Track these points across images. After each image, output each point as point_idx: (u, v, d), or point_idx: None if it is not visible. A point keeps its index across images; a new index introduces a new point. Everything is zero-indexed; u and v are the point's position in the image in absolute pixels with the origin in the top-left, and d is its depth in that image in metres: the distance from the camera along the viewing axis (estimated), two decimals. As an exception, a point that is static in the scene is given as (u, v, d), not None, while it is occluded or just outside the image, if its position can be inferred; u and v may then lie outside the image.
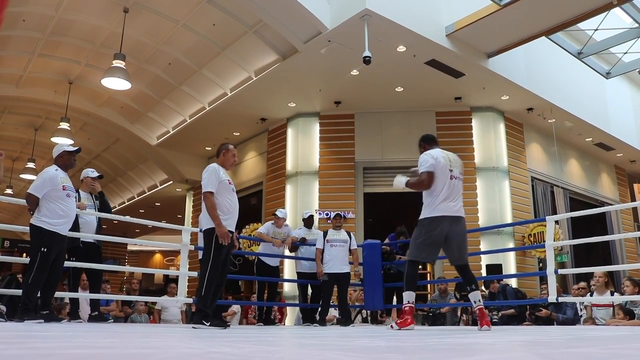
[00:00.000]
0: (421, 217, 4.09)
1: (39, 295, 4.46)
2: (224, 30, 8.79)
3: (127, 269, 19.88)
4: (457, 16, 8.10)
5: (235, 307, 8.74)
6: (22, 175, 14.04)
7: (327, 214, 9.85)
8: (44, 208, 4.40)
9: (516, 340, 2.57)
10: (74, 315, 5.27)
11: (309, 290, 6.99)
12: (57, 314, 5.48)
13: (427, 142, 4.30)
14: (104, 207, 5.66)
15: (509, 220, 9.98)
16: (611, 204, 12.21)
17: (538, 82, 9.86)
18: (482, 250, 9.10)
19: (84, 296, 5.72)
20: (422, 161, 4.09)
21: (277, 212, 6.87)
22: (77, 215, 4.89)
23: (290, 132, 11.00)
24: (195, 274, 5.72)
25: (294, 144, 10.87)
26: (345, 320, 6.37)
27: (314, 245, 6.65)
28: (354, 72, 9.02)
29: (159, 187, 15.36)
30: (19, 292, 4.57)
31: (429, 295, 9.74)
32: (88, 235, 5.28)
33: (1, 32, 8.47)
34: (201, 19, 8.65)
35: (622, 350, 1.78)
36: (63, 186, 4.49)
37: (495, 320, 6.92)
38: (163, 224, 7.02)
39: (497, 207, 10.06)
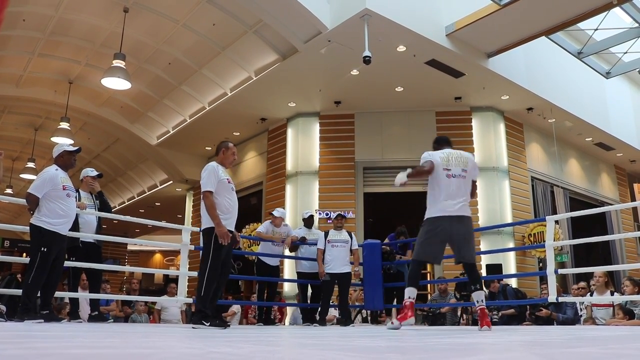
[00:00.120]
0: (425, 217, 4.17)
1: (38, 295, 4.46)
2: (224, 30, 8.79)
3: (127, 269, 19.87)
4: (457, 16, 8.10)
5: (235, 307, 8.74)
6: (22, 175, 14.05)
7: (327, 214, 9.85)
8: (44, 208, 4.40)
9: (516, 340, 2.57)
10: (74, 315, 5.27)
11: (309, 290, 6.99)
12: (57, 314, 5.48)
13: (436, 143, 4.41)
14: (103, 206, 5.66)
15: (509, 220, 9.98)
16: (611, 204, 12.20)
17: (538, 82, 9.86)
18: (482, 250, 9.09)
19: (84, 296, 5.72)
20: (422, 158, 4.26)
21: (273, 212, 6.87)
22: (77, 215, 4.89)
23: (290, 132, 10.99)
24: (195, 273, 5.71)
25: (294, 143, 10.87)
26: (345, 320, 6.37)
27: (314, 245, 6.65)
28: (354, 72, 9.02)
29: (159, 187, 15.37)
30: (19, 292, 4.57)
31: (429, 295, 9.74)
32: (88, 235, 5.28)
33: (1, 32, 8.47)
34: (201, 19, 8.65)
35: (622, 350, 1.78)
36: (63, 186, 4.49)
37: (495, 320, 6.92)
38: (163, 224, 7.02)
39: (497, 207, 10.06)
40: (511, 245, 9.91)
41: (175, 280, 7.79)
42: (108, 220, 6.20)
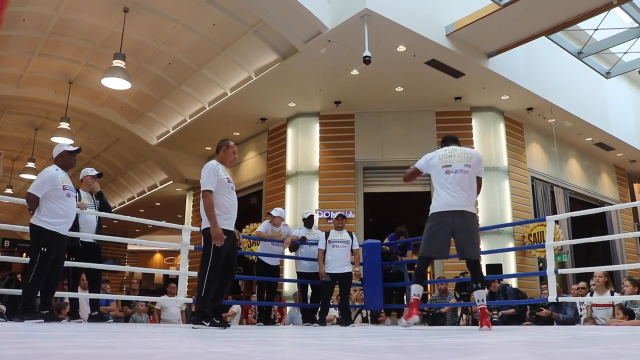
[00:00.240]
0: (429, 213, 4.24)
1: (38, 295, 4.46)
2: (224, 30, 8.79)
3: (127, 268, 19.87)
4: (457, 16, 8.10)
5: (236, 307, 8.73)
6: (22, 175, 14.06)
7: (327, 214, 9.85)
8: (44, 208, 4.40)
9: (516, 340, 2.57)
10: (74, 315, 5.26)
11: (309, 291, 6.99)
12: (57, 313, 5.47)
13: (443, 142, 4.51)
14: (103, 206, 5.65)
15: (509, 220, 9.98)
16: (611, 204, 12.20)
17: (538, 82, 9.86)
18: (482, 250, 9.08)
19: (84, 296, 5.71)
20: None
21: (272, 212, 6.87)
22: (77, 215, 4.88)
23: (290, 132, 11.00)
24: (195, 273, 5.71)
25: (294, 143, 10.87)
26: (345, 320, 6.37)
27: (314, 245, 6.65)
28: (354, 72, 9.02)
29: (159, 187, 15.37)
30: (19, 292, 4.57)
31: (429, 295, 9.73)
32: (88, 235, 5.28)
33: (1, 32, 8.47)
34: (201, 19, 8.65)
35: (622, 350, 1.78)
36: (63, 186, 4.48)
37: (495, 320, 6.91)
38: (163, 224, 7.01)
39: (497, 207, 10.06)
40: (511, 245, 9.91)
41: (175, 280, 7.79)
42: (108, 220, 6.20)
